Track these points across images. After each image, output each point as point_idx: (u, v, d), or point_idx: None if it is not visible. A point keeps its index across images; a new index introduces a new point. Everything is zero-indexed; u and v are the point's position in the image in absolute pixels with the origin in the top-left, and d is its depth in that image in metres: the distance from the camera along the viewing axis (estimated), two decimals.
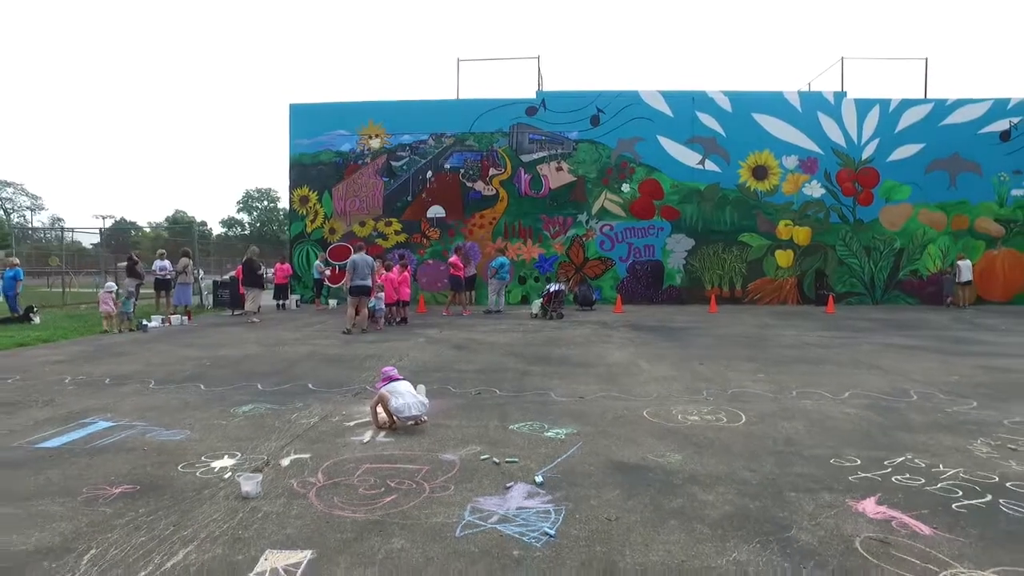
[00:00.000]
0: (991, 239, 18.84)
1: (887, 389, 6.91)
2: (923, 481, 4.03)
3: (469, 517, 3.44)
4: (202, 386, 6.93)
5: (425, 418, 5.29)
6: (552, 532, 3.26)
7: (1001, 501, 3.69)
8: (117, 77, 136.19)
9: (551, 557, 3.00)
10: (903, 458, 4.49)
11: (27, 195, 68.08)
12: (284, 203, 77.54)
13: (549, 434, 5.09)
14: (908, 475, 4.14)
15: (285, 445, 4.74)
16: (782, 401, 6.32)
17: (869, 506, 3.63)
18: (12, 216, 64.59)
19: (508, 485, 3.92)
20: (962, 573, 2.85)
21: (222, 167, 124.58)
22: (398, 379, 5.36)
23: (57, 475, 4.07)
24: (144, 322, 12.25)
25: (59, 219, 74.64)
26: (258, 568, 2.86)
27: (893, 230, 18.95)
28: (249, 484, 3.73)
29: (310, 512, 3.50)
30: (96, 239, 31.13)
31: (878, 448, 4.73)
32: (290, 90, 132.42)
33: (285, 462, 4.35)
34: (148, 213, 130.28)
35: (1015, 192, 18.76)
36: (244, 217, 78.57)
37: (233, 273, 17.40)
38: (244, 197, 77.65)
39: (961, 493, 3.82)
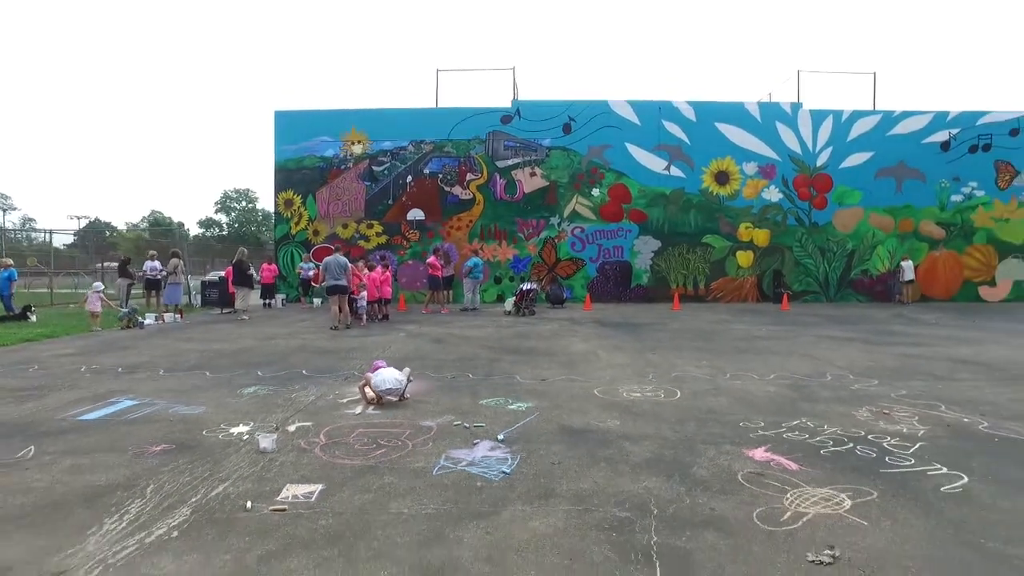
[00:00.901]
0: (933, 241, 20.24)
1: (808, 372, 7.99)
2: (806, 436, 5.07)
3: (443, 463, 4.40)
4: (208, 373, 7.78)
5: (407, 395, 6.23)
6: (508, 471, 4.23)
7: (858, 448, 4.75)
8: (89, 75, 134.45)
9: (506, 486, 3.97)
10: (797, 421, 5.54)
11: None
12: (262, 204, 77.66)
13: (512, 407, 6.06)
14: (796, 432, 5.18)
15: (289, 416, 5.65)
16: (716, 382, 7.36)
17: (758, 453, 4.65)
18: None
19: (475, 442, 4.88)
20: (806, 490, 3.88)
21: (199, 167, 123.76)
22: (383, 367, 6.29)
23: (105, 438, 4.94)
24: (141, 319, 12.98)
25: (30, 219, 73.87)
26: (282, 495, 3.78)
27: (845, 232, 20.27)
28: (266, 441, 4.64)
29: (317, 461, 4.43)
30: (69, 239, 31.22)
31: (781, 415, 5.77)
32: (271, 90, 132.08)
33: (291, 428, 5.25)
34: (124, 213, 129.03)
35: (954, 198, 20.19)
36: (222, 218, 78.34)
37: (222, 273, 18.07)
38: (222, 198, 77.41)
39: (831, 443, 4.87)
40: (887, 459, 4.50)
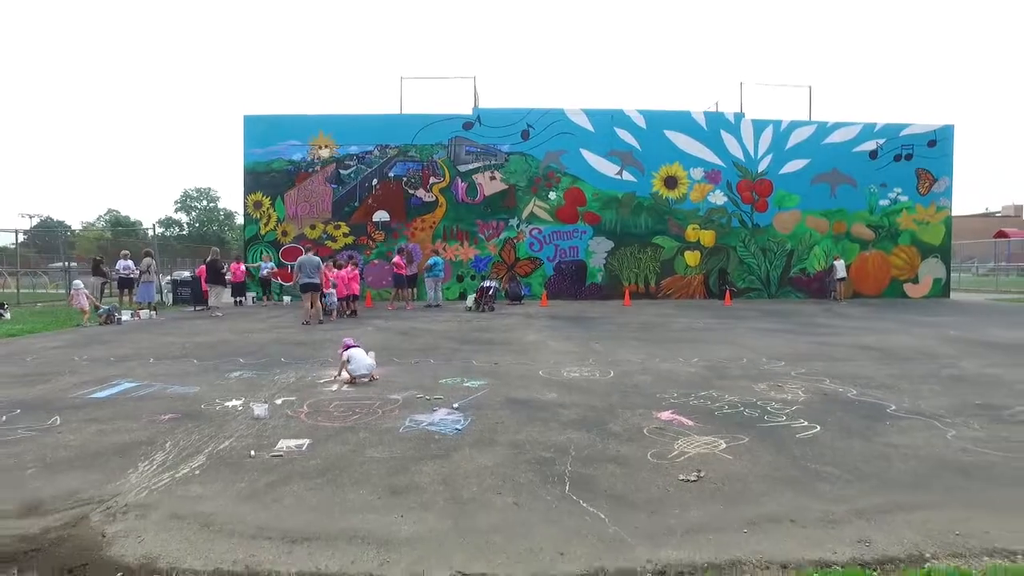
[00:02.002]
0: (864, 242, 21.95)
1: (729, 356, 9.18)
2: (708, 403, 6.20)
3: (408, 424, 5.39)
4: (195, 360, 8.60)
5: (376, 376, 7.19)
6: (460, 428, 5.25)
7: (745, 410, 5.89)
8: (38, 70, 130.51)
9: (457, 438, 4.98)
10: (705, 392, 6.67)
11: None
12: (224, 203, 76.99)
13: (467, 384, 7.07)
14: (701, 400, 6.31)
15: (275, 393, 6.55)
16: (646, 365, 8.49)
17: (664, 414, 5.75)
18: None
19: (434, 409, 5.88)
20: (694, 438, 4.99)
21: (156, 166, 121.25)
22: (355, 346, 7.24)
23: (118, 410, 5.80)
24: (118, 316, 13.58)
25: None
26: (278, 446, 4.72)
27: (784, 233, 21.81)
28: (260, 409, 5.57)
29: (303, 424, 5.37)
30: (14, 238, 30.63)
31: (693, 388, 6.91)
32: (236, 91, 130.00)
33: (278, 402, 6.17)
34: (78, 212, 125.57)
35: (882, 202, 21.93)
36: (183, 217, 77.34)
37: (195, 272, 18.60)
38: (182, 196, 76.42)
39: (726, 408, 6.01)
40: (765, 417, 5.66)
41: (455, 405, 6.01)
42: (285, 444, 4.77)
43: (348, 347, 7.21)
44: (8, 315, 14.51)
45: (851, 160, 21.76)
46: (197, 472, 4.17)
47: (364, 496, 3.79)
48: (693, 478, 4.11)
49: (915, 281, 22.20)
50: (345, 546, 3.10)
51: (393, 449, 4.69)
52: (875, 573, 2.90)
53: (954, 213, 22.67)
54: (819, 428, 5.31)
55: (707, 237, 21.58)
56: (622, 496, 3.80)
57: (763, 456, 4.57)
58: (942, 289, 22.34)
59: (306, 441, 4.85)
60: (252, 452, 4.56)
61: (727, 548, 3.11)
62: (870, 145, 21.81)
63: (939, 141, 22.07)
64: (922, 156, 22.01)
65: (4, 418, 5.45)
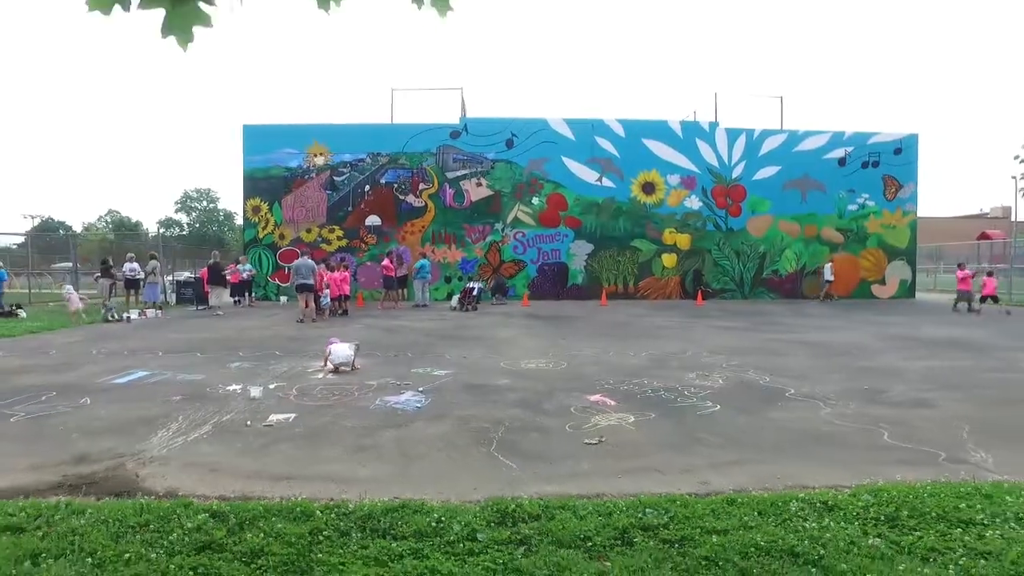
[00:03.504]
0: (834, 245, 23.06)
1: (676, 351, 10.29)
2: (636, 388, 7.31)
3: (378, 403, 6.51)
4: (199, 354, 9.72)
5: (358, 366, 8.31)
6: (420, 406, 6.38)
7: (663, 394, 7.01)
8: (38, 72, 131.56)
9: (416, 413, 6.11)
10: (638, 380, 7.78)
11: None
12: (224, 204, 77.97)
13: (435, 373, 8.19)
14: (631, 386, 7.41)
15: (269, 380, 7.66)
16: (599, 358, 9.60)
17: (594, 396, 6.86)
18: None
19: (402, 392, 7.00)
20: (610, 415, 6.11)
21: (156, 167, 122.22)
22: (336, 343, 8.36)
23: (137, 393, 6.92)
24: (127, 314, 14.69)
25: None
26: (270, 419, 5.83)
27: (758, 237, 22.92)
28: (256, 391, 6.69)
29: (291, 403, 6.49)
30: (17, 240, 31.37)
31: (630, 376, 8.01)
32: (234, 96, 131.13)
33: (272, 386, 7.28)
34: (78, 212, 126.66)
35: (850, 207, 23.05)
36: (183, 218, 78.32)
37: (199, 274, 19.62)
38: (183, 197, 77.36)
39: (649, 392, 7.12)
40: (679, 399, 6.77)
41: (420, 389, 7.13)
42: (275, 417, 5.89)
43: (332, 343, 8.34)
44: (23, 314, 15.59)
45: (821, 167, 22.88)
46: (204, 437, 5.29)
47: (334, 452, 4.92)
48: (595, 442, 5.22)
49: (882, 282, 23.31)
50: (315, 483, 4.22)
51: (362, 421, 5.81)
52: (684, 497, 4.00)
53: (946, 215, 23.72)
54: (719, 407, 6.43)
55: (683, 240, 22.69)
56: (534, 454, 4.92)
57: (661, 428, 5.69)
58: (908, 290, 23.45)
59: (292, 415, 5.97)
60: (248, 423, 5.69)
61: (596, 486, 4.22)
62: (839, 152, 22.92)
63: (904, 149, 23.18)
64: (888, 164, 23.12)
65: (44, 398, 6.58)
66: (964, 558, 3.04)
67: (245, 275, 19.83)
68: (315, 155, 21.80)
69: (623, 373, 8.24)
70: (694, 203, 22.71)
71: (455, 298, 18.33)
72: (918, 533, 3.32)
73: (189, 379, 7.73)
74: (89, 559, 2.89)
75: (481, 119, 22.40)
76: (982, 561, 3.02)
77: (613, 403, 6.58)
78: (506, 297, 20.48)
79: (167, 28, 2.24)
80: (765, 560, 3.03)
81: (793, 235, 23.03)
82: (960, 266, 18.04)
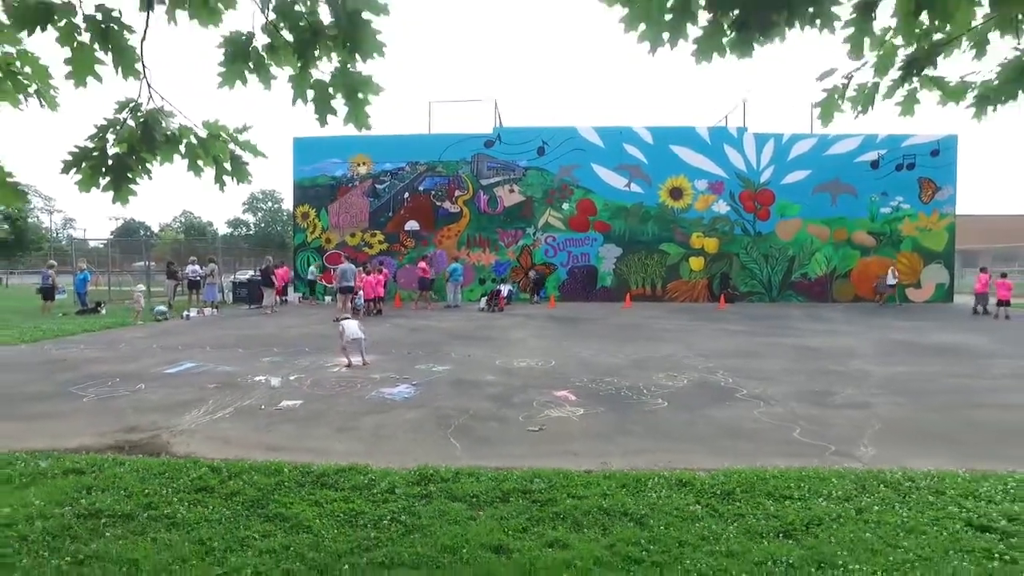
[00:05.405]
0: (865, 248, 23.07)
1: (664, 352, 11.13)
2: (601, 386, 8.27)
3: (374, 394, 7.73)
4: (240, 349, 11.23)
5: (368, 361, 9.59)
6: (408, 397, 7.57)
7: (623, 392, 7.95)
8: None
9: (402, 402, 7.30)
10: (610, 378, 8.74)
11: (41, 196, 66.90)
12: (287, 204, 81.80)
13: (435, 369, 9.37)
14: (598, 384, 8.39)
15: (291, 373, 9.03)
16: (589, 357, 10.56)
17: (559, 392, 7.87)
18: (34, 218, 67.44)
19: (398, 385, 8.21)
20: (565, 408, 7.13)
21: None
22: (348, 321, 9.68)
23: (182, 381, 8.39)
24: (187, 313, 16.56)
25: (71, 220, 78.71)
26: (281, 405, 7.13)
27: (786, 240, 23.19)
28: (276, 381, 8.04)
29: (302, 392, 7.79)
30: (103, 243, 34.27)
31: (604, 375, 8.97)
32: (292, 110, 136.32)
33: (292, 378, 8.63)
34: (156, 213, 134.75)
35: (883, 210, 22.99)
36: (249, 218, 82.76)
37: (250, 273, 21.61)
38: (249, 198, 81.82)
39: (612, 390, 8.08)
40: (635, 397, 7.71)
41: (414, 383, 8.33)
42: (286, 403, 7.20)
43: (345, 321, 9.69)
44: (104, 311, 17.71)
45: (852, 170, 22.93)
46: (226, 416, 6.63)
47: (322, 431, 6.16)
48: (536, 429, 6.27)
49: (917, 286, 23.15)
50: (299, 453, 5.44)
51: (354, 408, 7.05)
52: (588, 473, 5.01)
53: (998, 213, 23.25)
54: (666, 404, 7.35)
55: (711, 244, 23.19)
56: (481, 437, 6.01)
57: (601, 420, 6.67)
58: (945, 294, 23.20)
59: (300, 401, 7.26)
60: (262, 407, 7.01)
61: (518, 462, 5.27)
62: (871, 155, 22.91)
63: (942, 151, 22.93)
64: (925, 166, 22.93)
65: (110, 384, 8.13)
66: (754, 519, 3.98)
67: (318, 276, 21.83)
68: (358, 164, 23.44)
69: (600, 372, 9.20)
70: (722, 207, 23.18)
71: (482, 300, 19.54)
72: (738, 503, 4.25)
73: (226, 370, 9.18)
74: (122, 491, 4.20)
75: (513, 128, 23.53)
76: (768, 521, 3.94)
77: (573, 398, 7.59)
78: (539, 297, 21.63)
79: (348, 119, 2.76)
80: (600, 516, 4.03)
81: (823, 239, 23.17)
82: (983, 269, 17.97)
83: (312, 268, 22.81)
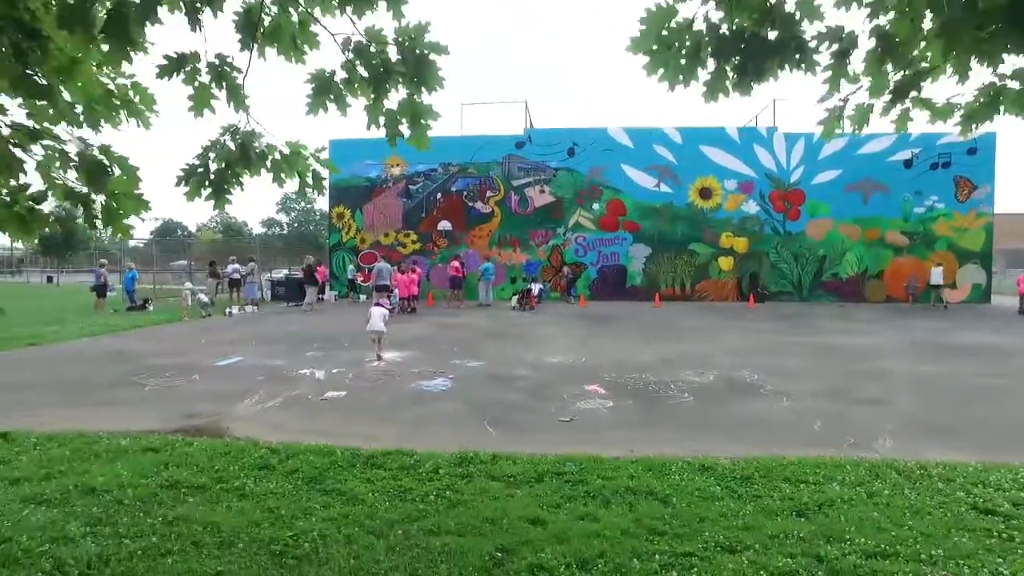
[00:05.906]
0: (898, 248, 22.86)
1: (688, 351, 11.37)
2: (631, 381, 8.58)
3: (413, 386, 8.17)
4: (283, 344, 11.81)
5: (383, 356, 10.04)
6: (444, 389, 7.99)
7: (651, 386, 8.26)
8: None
9: (440, 394, 7.72)
10: (637, 374, 9.04)
11: None
12: (320, 205, 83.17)
13: (469, 364, 9.79)
14: (627, 379, 8.70)
15: (333, 366, 9.53)
16: (618, 355, 10.87)
17: (590, 386, 8.22)
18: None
19: (435, 379, 8.65)
20: (594, 400, 7.48)
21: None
22: (375, 308, 10.16)
23: (232, 373, 8.95)
24: (229, 310, 17.29)
25: None
26: (326, 395, 7.61)
27: (817, 240, 23.10)
28: (320, 373, 8.53)
29: (346, 383, 8.27)
30: (144, 242, 35.54)
31: (632, 371, 9.28)
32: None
33: (334, 371, 9.13)
34: (193, 213, 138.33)
35: (917, 210, 22.75)
36: (283, 218, 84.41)
37: (293, 274, 22.36)
38: (283, 199, 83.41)
39: (640, 384, 8.39)
40: (662, 391, 8.01)
41: (450, 376, 8.76)
42: (331, 394, 7.68)
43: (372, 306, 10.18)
44: (152, 308, 18.55)
45: (885, 169, 22.73)
46: (276, 405, 7.13)
47: (366, 419, 6.61)
48: (567, 420, 6.64)
49: (953, 286, 22.84)
50: (345, 438, 5.88)
51: (395, 398, 7.49)
52: (602, 457, 5.34)
53: None
54: (692, 398, 7.64)
55: (740, 244, 23.22)
56: (516, 426, 6.40)
57: (631, 412, 7.01)
58: (982, 294, 22.86)
59: (344, 392, 7.74)
60: (309, 396, 7.50)
61: (550, 449, 5.63)
62: (905, 154, 22.67)
63: (980, 149, 22.59)
64: (961, 164, 22.62)
65: (167, 375, 8.73)
66: (770, 500, 4.28)
67: (358, 276, 22.56)
68: (392, 166, 24.04)
69: (628, 368, 9.50)
70: (751, 207, 23.19)
71: (513, 299, 19.94)
72: (756, 486, 4.56)
73: (272, 364, 9.72)
74: (195, 467, 4.69)
75: (544, 130, 23.88)
76: (783, 502, 4.25)
77: (603, 391, 7.92)
78: (570, 295, 21.97)
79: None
80: (627, 495, 4.38)
81: (854, 238, 23.02)
82: None
83: (351, 267, 23.52)
